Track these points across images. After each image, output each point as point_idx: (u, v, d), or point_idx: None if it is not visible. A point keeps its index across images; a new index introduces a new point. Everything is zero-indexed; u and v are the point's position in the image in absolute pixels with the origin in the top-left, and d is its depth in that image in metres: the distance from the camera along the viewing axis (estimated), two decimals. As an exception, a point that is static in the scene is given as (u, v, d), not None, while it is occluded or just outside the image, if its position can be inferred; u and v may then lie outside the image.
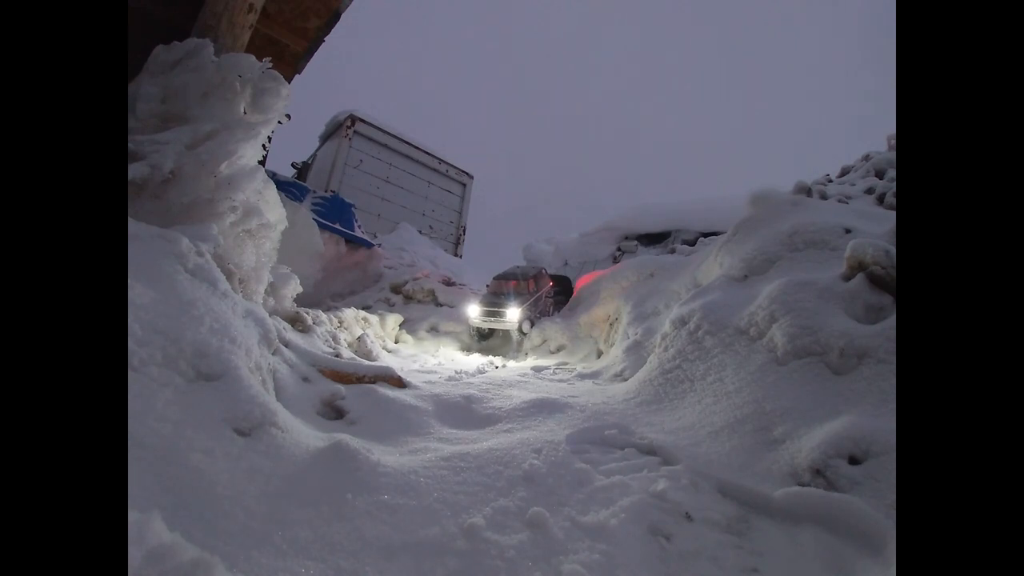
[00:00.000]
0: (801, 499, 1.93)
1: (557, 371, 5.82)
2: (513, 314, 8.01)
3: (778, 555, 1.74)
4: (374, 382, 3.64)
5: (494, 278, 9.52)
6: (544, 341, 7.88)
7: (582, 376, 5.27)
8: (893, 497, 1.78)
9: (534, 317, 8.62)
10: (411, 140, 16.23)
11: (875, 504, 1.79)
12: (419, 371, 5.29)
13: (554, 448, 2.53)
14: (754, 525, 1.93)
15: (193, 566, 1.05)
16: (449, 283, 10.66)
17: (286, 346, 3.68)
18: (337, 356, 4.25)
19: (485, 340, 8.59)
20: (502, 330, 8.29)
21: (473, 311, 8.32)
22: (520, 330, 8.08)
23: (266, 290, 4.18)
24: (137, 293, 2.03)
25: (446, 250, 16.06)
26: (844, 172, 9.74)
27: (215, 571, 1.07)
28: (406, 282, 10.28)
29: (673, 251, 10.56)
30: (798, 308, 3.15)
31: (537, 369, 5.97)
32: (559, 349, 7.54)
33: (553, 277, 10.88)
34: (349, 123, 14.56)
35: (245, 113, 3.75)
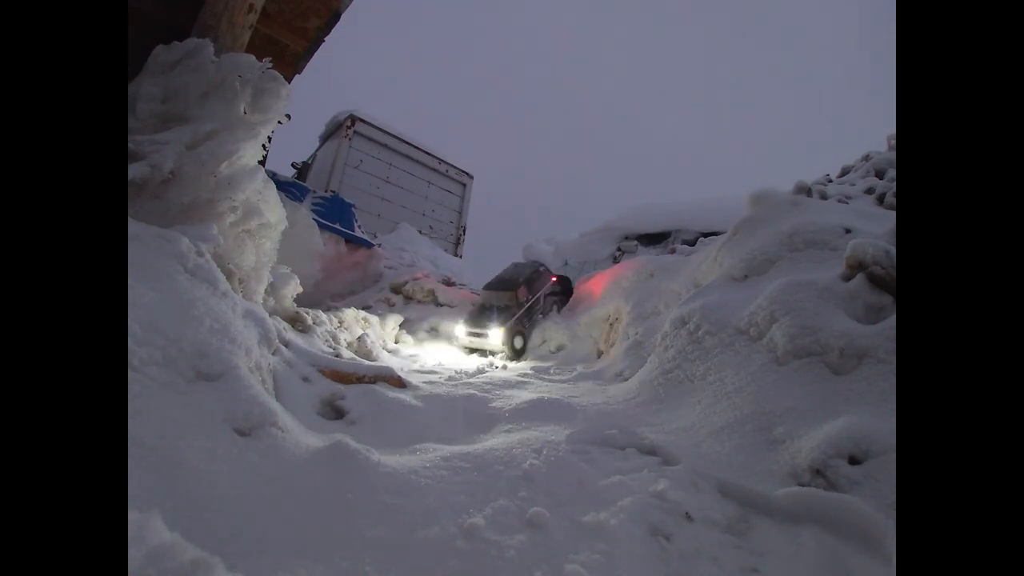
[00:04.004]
0: (801, 499, 1.93)
1: (557, 371, 5.82)
2: (496, 335, 7.51)
3: (778, 555, 1.74)
4: (374, 382, 3.64)
5: (483, 288, 8.95)
6: (544, 341, 7.88)
7: (582, 376, 5.27)
8: (893, 497, 1.78)
9: (526, 329, 8.06)
10: (411, 140, 16.23)
11: (875, 504, 1.79)
12: (419, 371, 5.29)
13: (554, 448, 2.53)
14: (754, 525, 1.93)
15: (193, 566, 1.05)
16: (449, 283, 10.66)
17: (286, 346, 3.68)
18: (337, 356, 4.25)
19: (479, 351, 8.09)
20: (490, 349, 7.74)
21: (459, 331, 7.92)
22: (511, 347, 7.59)
23: (266, 290, 4.18)
24: (137, 293, 2.03)
25: (446, 250, 16.06)
26: (844, 172, 9.74)
27: (215, 571, 1.07)
28: (406, 282, 10.28)
29: (673, 251, 10.55)
30: (798, 308, 3.15)
31: (537, 369, 5.98)
32: (559, 349, 7.54)
33: None
34: (349, 123, 14.56)
35: (245, 113, 3.75)
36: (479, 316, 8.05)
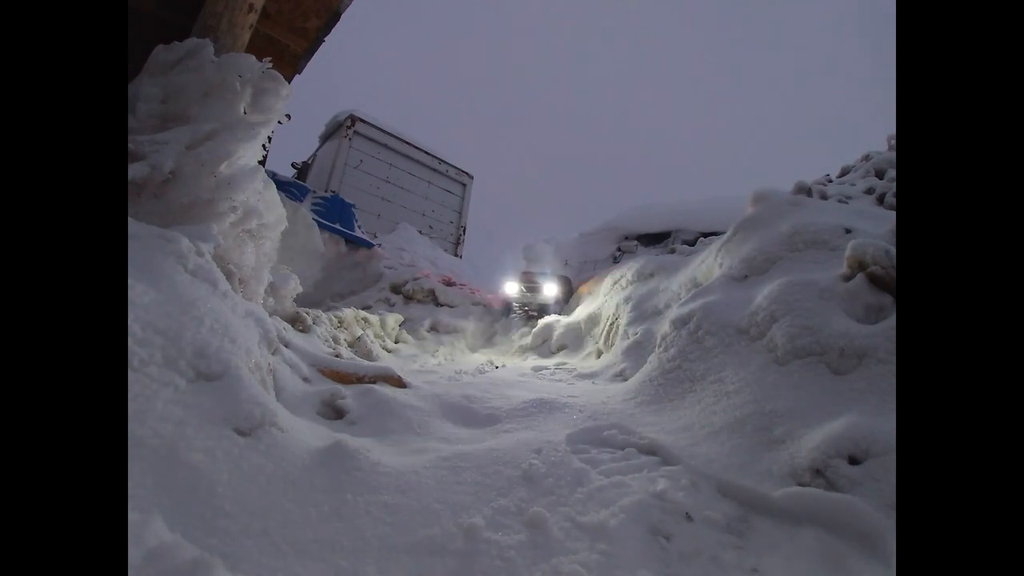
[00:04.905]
0: (801, 499, 1.93)
1: (557, 371, 5.82)
2: (550, 288, 9.28)
3: (778, 555, 1.74)
4: (374, 382, 3.64)
5: (523, 272, 10.66)
6: (544, 341, 7.88)
7: (582, 376, 5.27)
8: (893, 497, 1.78)
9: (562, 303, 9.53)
10: (411, 140, 16.21)
11: (875, 504, 1.79)
12: (419, 371, 5.29)
13: (554, 448, 2.53)
14: (754, 525, 1.92)
15: (193, 566, 1.05)
16: (449, 283, 10.66)
17: (286, 346, 3.68)
18: (337, 356, 4.25)
19: (524, 309, 9.54)
20: (540, 305, 9.34)
21: (511, 288, 9.71)
22: (557, 304, 9.15)
23: (266, 290, 4.17)
24: (137, 293, 2.03)
25: (446, 250, 16.05)
26: (844, 172, 9.72)
27: (215, 571, 1.07)
28: (406, 282, 10.27)
29: (673, 251, 10.54)
30: (798, 308, 3.15)
31: (537, 369, 5.97)
32: (559, 349, 7.54)
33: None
34: (349, 123, 14.55)
35: (245, 113, 3.75)
36: (529, 277, 9.73)
